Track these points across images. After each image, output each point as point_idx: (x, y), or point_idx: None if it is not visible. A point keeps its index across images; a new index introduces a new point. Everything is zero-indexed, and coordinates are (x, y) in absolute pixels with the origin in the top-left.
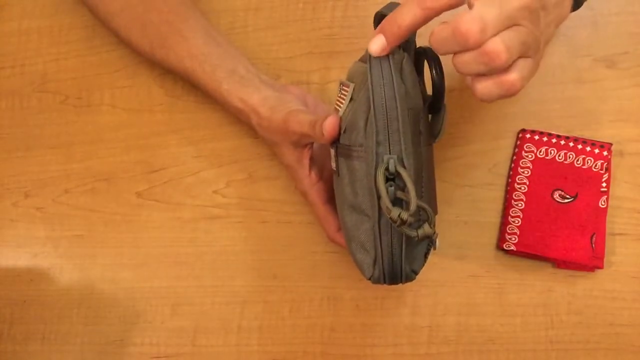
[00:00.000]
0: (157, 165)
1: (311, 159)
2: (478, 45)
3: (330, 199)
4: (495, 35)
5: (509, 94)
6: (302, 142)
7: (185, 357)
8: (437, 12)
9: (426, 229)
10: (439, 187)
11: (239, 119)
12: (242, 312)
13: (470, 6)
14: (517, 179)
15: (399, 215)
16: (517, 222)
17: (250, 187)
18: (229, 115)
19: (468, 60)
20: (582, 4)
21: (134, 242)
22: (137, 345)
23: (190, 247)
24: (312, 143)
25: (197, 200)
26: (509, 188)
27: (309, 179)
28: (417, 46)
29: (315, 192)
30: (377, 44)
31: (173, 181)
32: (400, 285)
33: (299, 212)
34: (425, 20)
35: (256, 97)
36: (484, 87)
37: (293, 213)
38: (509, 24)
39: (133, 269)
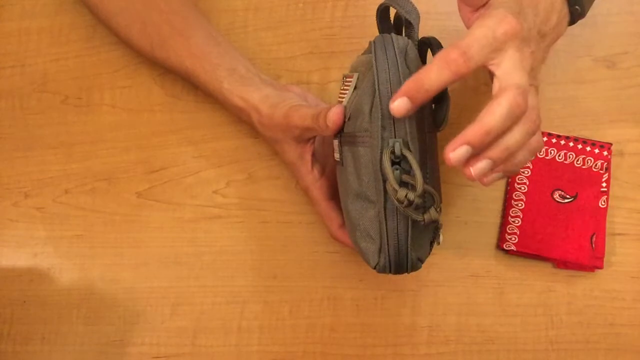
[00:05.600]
0: (157, 165)
1: (313, 155)
2: (524, 112)
3: (333, 195)
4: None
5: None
6: (305, 136)
7: (185, 357)
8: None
9: (432, 213)
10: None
11: (240, 118)
12: (242, 312)
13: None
14: (517, 179)
15: (405, 196)
16: (517, 222)
17: (250, 187)
18: (229, 115)
19: (521, 140)
20: (577, 20)
21: (134, 242)
22: (137, 345)
23: (190, 247)
24: (314, 139)
25: (197, 200)
26: (509, 188)
27: (311, 175)
28: (421, 37)
29: (317, 188)
30: (402, 106)
31: (173, 181)
32: (400, 284)
33: (299, 212)
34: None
35: (257, 96)
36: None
37: (293, 213)
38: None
39: (133, 269)
